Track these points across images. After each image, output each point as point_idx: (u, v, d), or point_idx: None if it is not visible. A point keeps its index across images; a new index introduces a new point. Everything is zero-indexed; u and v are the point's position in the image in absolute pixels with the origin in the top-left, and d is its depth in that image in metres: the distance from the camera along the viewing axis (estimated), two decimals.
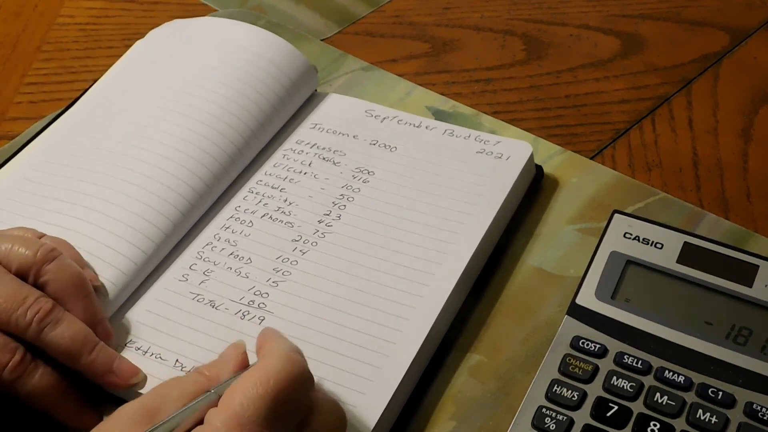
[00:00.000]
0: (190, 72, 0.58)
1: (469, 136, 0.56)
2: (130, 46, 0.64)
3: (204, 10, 0.74)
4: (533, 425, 0.42)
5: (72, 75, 0.68)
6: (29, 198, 0.53)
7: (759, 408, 0.42)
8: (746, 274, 0.47)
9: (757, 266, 0.47)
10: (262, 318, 0.48)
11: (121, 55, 0.63)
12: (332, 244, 0.51)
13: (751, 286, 0.46)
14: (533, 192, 0.55)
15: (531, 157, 0.54)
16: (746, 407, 0.42)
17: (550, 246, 0.52)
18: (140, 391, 0.44)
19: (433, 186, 0.54)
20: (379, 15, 0.73)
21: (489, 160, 0.54)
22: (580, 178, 0.56)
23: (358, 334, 0.46)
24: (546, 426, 0.42)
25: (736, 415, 0.42)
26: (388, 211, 0.53)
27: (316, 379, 0.44)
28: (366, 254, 0.50)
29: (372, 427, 0.42)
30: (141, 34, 0.65)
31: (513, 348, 0.48)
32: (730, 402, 0.42)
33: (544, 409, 0.43)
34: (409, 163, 0.55)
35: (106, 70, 0.63)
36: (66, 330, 0.43)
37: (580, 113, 0.63)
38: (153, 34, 0.63)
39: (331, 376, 0.45)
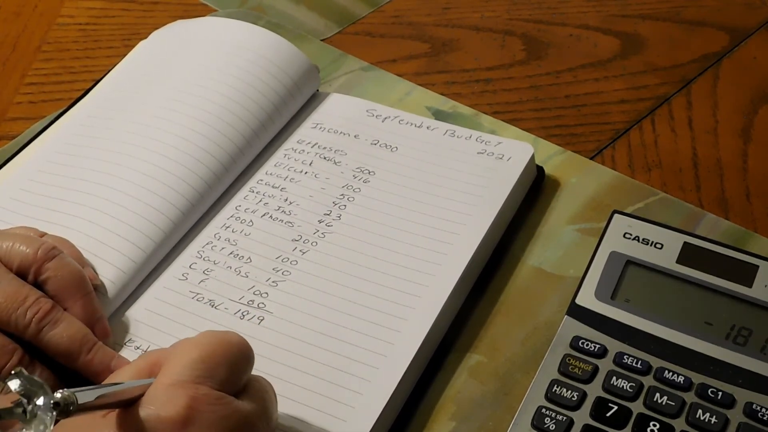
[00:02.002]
0: (191, 72, 0.58)
1: (470, 137, 0.56)
2: (130, 46, 0.64)
3: (204, 10, 0.74)
4: (533, 425, 0.42)
5: (72, 75, 0.68)
6: (31, 197, 0.53)
7: (759, 408, 0.42)
8: (746, 274, 0.47)
9: (757, 266, 0.47)
10: (261, 318, 0.48)
11: (121, 55, 0.63)
12: (332, 244, 0.51)
13: (750, 287, 0.46)
14: (533, 193, 0.55)
15: (532, 159, 0.54)
16: (746, 407, 0.42)
17: (550, 246, 0.52)
18: None
19: (434, 186, 0.54)
20: (378, 15, 0.73)
21: (490, 160, 0.54)
22: (579, 178, 0.56)
23: (356, 335, 0.46)
24: (546, 426, 0.42)
25: (735, 416, 0.42)
26: (388, 211, 0.53)
27: (313, 378, 0.44)
28: (366, 254, 0.50)
29: (370, 428, 0.42)
30: (141, 34, 0.65)
31: (513, 348, 0.48)
32: (729, 402, 0.42)
33: (543, 410, 0.43)
34: (410, 163, 0.55)
35: (106, 70, 0.63)
36: (64, 330, 0.43)
37: (580, 113, 0.63)
38: (156, 35, 0.63)
39: (328, 377, 0.45)
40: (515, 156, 0.54)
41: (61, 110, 0.61)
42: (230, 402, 0.37)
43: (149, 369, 0.39)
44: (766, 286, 0.46)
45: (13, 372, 0.32)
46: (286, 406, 0.43)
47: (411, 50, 0.69)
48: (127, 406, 0.36)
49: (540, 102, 0.64)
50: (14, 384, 0.31)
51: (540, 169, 0.56)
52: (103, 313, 0.46)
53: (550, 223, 0.54)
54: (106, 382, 0.39)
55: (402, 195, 0.53)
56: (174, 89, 0.57)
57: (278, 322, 0.47)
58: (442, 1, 0.74)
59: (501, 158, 0.54)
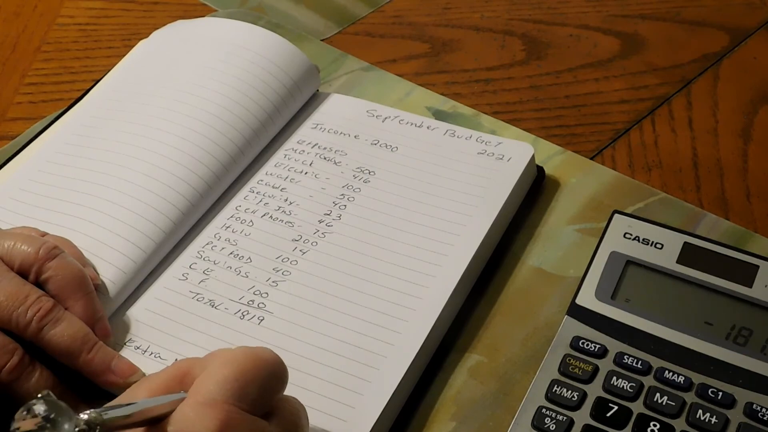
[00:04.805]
0: (192, 72, 0.58)
1: (470, 137, 0.56)
2: (130, 46, 0.64)
3: (204, 10, 0.74)
4: (533, 425, 0.42)
5: (72, 75, 0.68)
6: (32, 198, 0.53)
7: (759, 408, 0.42)
8: (746, 274, 0.47)
9: (757, 266, 0.47)
10: (261, 318, 0.48)
11: (121, 55, 0.63)
12: (332, 245, 0.51)
13: (751, 287, 0.46)
14: (534, 193, 0.55)
15: (532, 159, 0.54)
16: (746, 407, 0.42)
17: (550, 246, 0.52)
18: None
19: (434, 187, 0.54)
20: (378, 15, 0.73)
21: (490, 161, 0.54)
22: (579, 179, 0.56)
23: (356, 336, 0.46)
24: (546, 426, 0.42)
25: (736, 416, 0.42)
26: (388, 211, 0.53)
27: (313, 378, 0.44)
28: (366, 255, 0.50)
29: (370, 428, 0.42)
30: (141, 34, 0.65)
31: (513, 348, 0.48)
32: (730, 402, 0.42)
33: (544, 410, 0.43)
34: (410, 163, 0.55)
35: (106, 71, 0.63)
36: (65, 329, 0.43)
37: (580, 113, 0.63)
38: (156, 35, 0.63)
39: (329, 378, 0.45)
40: (515, 156, 0.54)
41: (61, 110, 0.60)
42: (262, 427, 0.36)
43: (180, 379, 0.38)
44: (766, 286, 0.46)
45: (39, 396, 0.31)
46: None
47: (411, 50, 0.69)
48: (155, 423, 0.36)
49: (540, 102, 0.64)
50: (39, 408, 0.31)
51: (540, 170, 0.56)
52: (104, 313, 0.46)
53: (550, 223, 0.54)
54: (134, 387, 0.38)
55: (402, 195, 0.53)
56: (174, 89, 0.57)
57: (278, 323, 0.47)
58: (442, 1, 0.74)
59: (501, 158, 0.54)
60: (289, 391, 0.41)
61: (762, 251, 0.49)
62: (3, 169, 0.56)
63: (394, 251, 0.50)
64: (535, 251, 0.52)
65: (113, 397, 0.44)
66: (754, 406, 0.42)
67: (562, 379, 0.44)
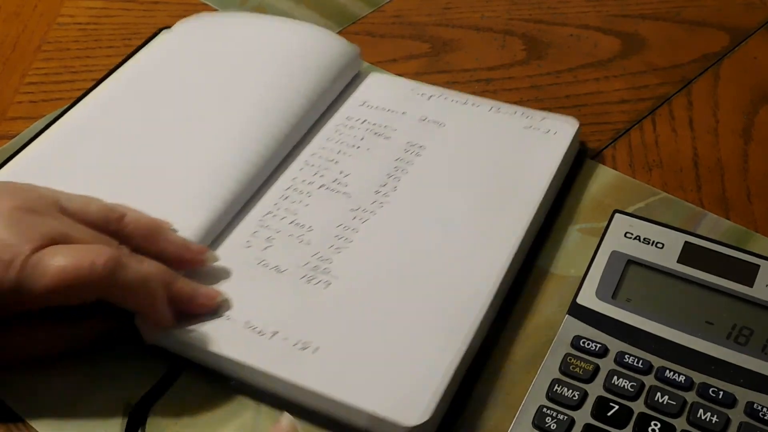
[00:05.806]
0: (250, 61, 0.60)
1: (515, 113, 0.58)
2: (130, 45, 0.64)
3: (204, 10, 0.73)
4: (534, 425, 0.42)
5: (72, 75, 0.68)
6: (85, 166, 0.54)
7: (760, 408, 0.42)
8: (747, 273, 0.47)
9: (758, 266, 0.47)
10: (328, 282, 0.48)
11: (121, 55, 0.63)
12: (391, 213, 0.52)
13: (752, 286, 0.46)
14: (577, 167, 0.56)
15: (577, 132, 0.56)
16: (747, 407, 0.42)
17: (551, 246, 0.52)
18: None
19: (484, 159, 0.55)
20: (379, 15, 0.73)
21: (536, 135, 0.56)
22: (580, 178, 0.56)
23: (419, 304, 0.47)
24: (547, 425, 0.42)
25: (736, 415, 0.42)
26: (441, 184, 0.54)
27: (382, 345, 0.45)
28: (423, 225, 0.51)
29: (437, 402, 0.42)
30: (141, 34, 0.65)
31: (513, 347, 0.48)
32: (730, 402, 0.42)
33: (544, 409, 0.43)
34: (459, 138, 0.57)
35: (106, 70, 0.63)
36: (152, 263, 0.45)
37: (580, 113, 0.62)
38: (180, 26, 0.64)
39: (394, 343, 0.45)
40: (561, 131, 0.56)
41: (61, 110, 0.60)
42: None
43: None
44: (767, 285, 0.46)
45: None
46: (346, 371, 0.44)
47: (411, 50, 0.69)
48: None
49: (540, 102, 0.64)
50: None
51: (582, 144, 0.58)
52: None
53: (551, 223, 0.54)
54: None
55: (453, 168, 0.54)
56: (227, 78, 0.59)
57: (343, 288, 0.48)
58: (443, 1, 0.74)
59: (548, 132, 0.56)
60: (352, 358, 0.42)
61: (763, 251, 0.49)
62: (5, 165, 0.56)
63: (450, 220, 0.51)
64: (537, 251, 0.52)
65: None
66: (755, 405, 0.42)
67: (563, 378, 0.44)
